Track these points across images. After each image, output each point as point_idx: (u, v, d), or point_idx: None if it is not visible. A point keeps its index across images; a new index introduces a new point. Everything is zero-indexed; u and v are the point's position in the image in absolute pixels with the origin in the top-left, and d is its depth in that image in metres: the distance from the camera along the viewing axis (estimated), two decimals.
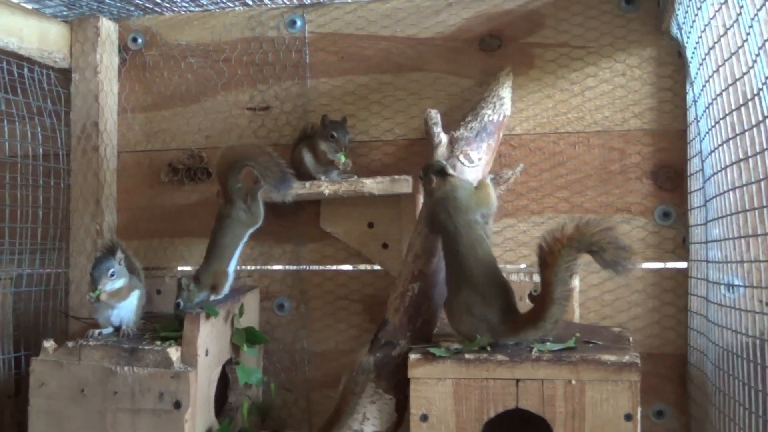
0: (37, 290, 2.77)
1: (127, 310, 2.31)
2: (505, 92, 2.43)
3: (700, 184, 2.21)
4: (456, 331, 2.02)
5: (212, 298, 2.36)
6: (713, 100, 1.91)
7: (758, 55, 1.54)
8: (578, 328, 2.17)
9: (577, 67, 2.51)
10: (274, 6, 2.73)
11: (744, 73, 1.65)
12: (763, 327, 1.65)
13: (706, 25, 1.94)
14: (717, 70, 1.87)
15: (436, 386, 1.90)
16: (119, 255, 2.26)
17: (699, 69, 2.08)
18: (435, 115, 2.38)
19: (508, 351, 1.91)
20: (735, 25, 1.70)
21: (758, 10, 1.53)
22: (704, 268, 2.17)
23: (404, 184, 2.42)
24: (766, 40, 1.50)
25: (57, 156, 2.83)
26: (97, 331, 2.27)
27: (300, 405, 2.69)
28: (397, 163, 2.62)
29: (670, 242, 2.44)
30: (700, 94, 2.11)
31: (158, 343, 2.16)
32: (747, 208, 1.70)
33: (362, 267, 2.68)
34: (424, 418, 1.91)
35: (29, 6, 2.62)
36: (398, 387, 2.06)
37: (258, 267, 2.74)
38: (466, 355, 1.90)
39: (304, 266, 2.71)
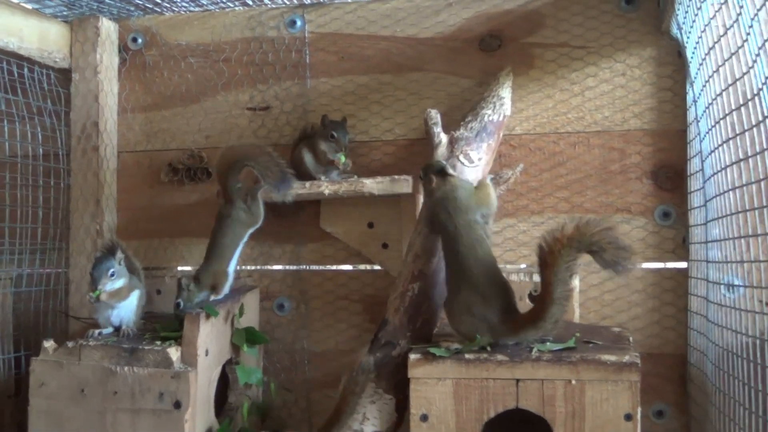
0: (37, 290, 2.76)
1: (127, 310, 2.31)
2: (505, 92, 2.43)
3: (700, 184, 2.21)
4: (456, 331, 2.02)
5: (212, 298, 2.36)
6: (713, 100, 1.91)
7: (758, 55, 1.53)
8: (578, 328, 2.17)
9: (577, 67, 2.51)
10: (274, 6, 2.73)
11: (744, 73, 1.65)
12: (763, 327, 1.65)
13: (706, 25, 1.94)
14: (717, 70, 1.87)
15: (436, 386, 1.90)
16: (119, 255, 2.26)
17: (699, 69, 2.08)
18: (435, 115, 2.38)
19: (508, 351, 1.91)
20: (735, 25, 1.70)
21: (758, 10, 1.53)
22: (704, 268, 2.17)
23: (404, 184, 2.42)
24: (766, 40, 1.50)
25: (57, 156, 2.82)
26: (97, 331, 2.27)
27: (300, 405, 2.69)
28: (397, 163, 2.62)
29: (670, 242, 2.44)
30: (700, 94, 2.11)
31: (158, 343, 2.16)
32: (747, 208, 1.70)
33: (362, 267, 2.68)
34: (424, 418, 1.91)
35: (29, 6, 2.62)
36: (398, 387, 2.06)
37: (258, 267, 2.74)
38: (466, 355, 1.90)
39: (304, 266, 2.71)
